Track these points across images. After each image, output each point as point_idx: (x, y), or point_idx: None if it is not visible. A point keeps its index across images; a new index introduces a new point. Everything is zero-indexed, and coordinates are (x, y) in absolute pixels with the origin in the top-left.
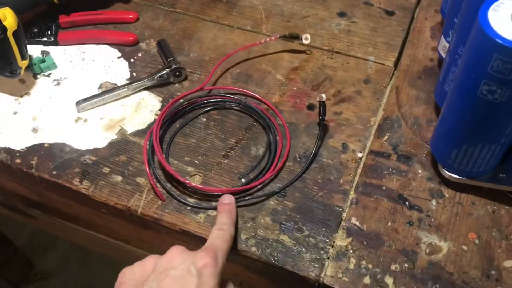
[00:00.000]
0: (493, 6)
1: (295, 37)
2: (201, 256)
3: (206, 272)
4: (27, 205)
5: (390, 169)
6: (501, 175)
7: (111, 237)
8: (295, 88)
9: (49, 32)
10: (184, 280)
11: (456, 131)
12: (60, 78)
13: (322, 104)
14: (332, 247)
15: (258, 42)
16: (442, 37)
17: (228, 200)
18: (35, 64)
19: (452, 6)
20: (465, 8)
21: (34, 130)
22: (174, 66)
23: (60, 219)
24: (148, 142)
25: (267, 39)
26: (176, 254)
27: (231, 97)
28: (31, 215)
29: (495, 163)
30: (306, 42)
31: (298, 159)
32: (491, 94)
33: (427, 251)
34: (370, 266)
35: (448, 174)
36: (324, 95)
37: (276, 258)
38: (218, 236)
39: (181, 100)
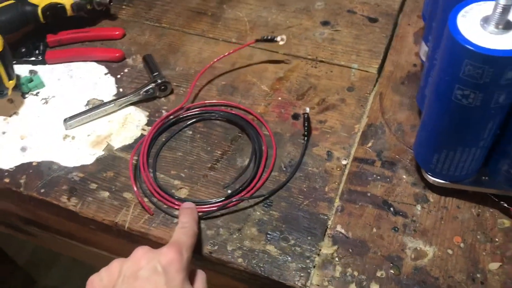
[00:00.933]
0: (462, 12)
1: (271, 39)
2: (165, 253)
3: (171, 268)
4: (25, 223)
5: (375, 176)
6: (484, 178)
7: (110, 252)
8: (280, 98)
9: (37, 52)
10: (152, 280)
11: (435, 136)
12: (48, 96)
13: (306, 117)
14: (318, 256)
15: (232, 50)
16: (423, 42)
17: (188, 205)
18: (23, 84)
19: (431, 11)
20: (439, 13)
21: (23, 149)
22: (159, 81)
23: (58, 236)
24: (134, 158)
25: (243, 45)
26: (141, 255)
27: (216, 108)
28: (30, 233)
29: (477, 166)
30: (282, 43)
31: (284, 169)
32: (465, 99)
33: (413, 256)
34: (355, 273)
35: (431, 179)
36: (308, 108)
37: (262, 269)
38: (181, 233)
39: (166, 113)
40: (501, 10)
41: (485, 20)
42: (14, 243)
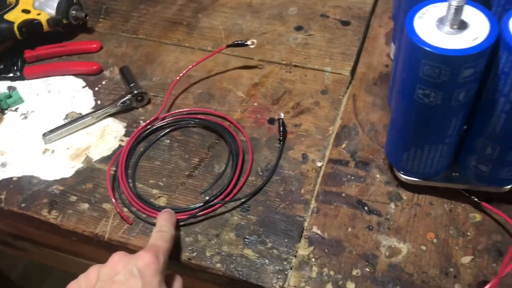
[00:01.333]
0: (419, 13)
1: (241, 44)
2: (142, 256)
3: (148, 271)
4: (14, 238)
5: (349, 176)
6: (454, 174)
7: (99, 263)
8: (255, 104)
9: (15, 68)
10: (129, 284)
11: (403, 134)
12: (27, 111)
13: (281, 122)
14: (295, 257)
15: (204, 57)
16: (392, 43)
17: (166, 210)
18: (1, 100)
19: (397, 12)
20: (401, 15)
21: (3, 165)
22: (135, 91)
23: (47, 249)
24: (112, 168)
25: (214, 52)
26: (117, 259)
27: (193, 116)
28: (20, 247)
29: (446, 163)
30: (252, 46)
31: (261, 173)
32: (426, 98)
33: (387, 254)
34: (332, 273)
35: (404, 177)
36: (282, 114)
37: (240, 273)
38: (158, 237)
39: (143, 124)
40: (454, 11)
41: (441, 21)
42: (6, 258)
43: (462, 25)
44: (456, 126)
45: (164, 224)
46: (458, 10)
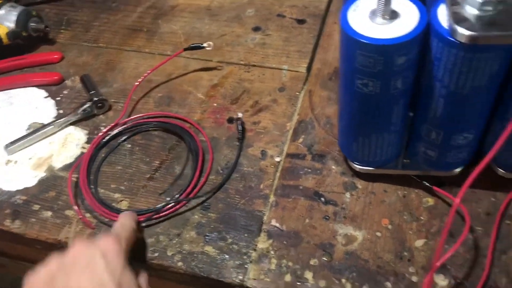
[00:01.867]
0: (353, 6)
1: (198, 46)
2: (103, 239)
3: (110, 253)
4: None
5: (306, 169)
6: (405, 160)
7: None
8: (215, 104)
9: None
10: (91, 266)
11: (350, 125)
12: None
13: (240, 121)
14: (255, 251)
15: (163, 61)
16: None
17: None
18: None
19: None
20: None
21: None
22: (95, 99)
23: (24, 262)
24: (74, 175)
25: (172, 56)
26: (78, 246)
27: (154, 119)
28: (0, 263)
29: (396, 150)
30: (209, 48)
31: (221, 171)
32: (365, 87)
33: (343, 242)
34: (290, 264)
35: (358, 167)
36: (240, 113)
37: (201, 269)
38: (119, 227)
39: (104, 130)
40: (383, 1)
41: (373, 13)
42: None
43: (393, 15)
44: (399, 113)
45: (124, 219)
46: (387, 0)
